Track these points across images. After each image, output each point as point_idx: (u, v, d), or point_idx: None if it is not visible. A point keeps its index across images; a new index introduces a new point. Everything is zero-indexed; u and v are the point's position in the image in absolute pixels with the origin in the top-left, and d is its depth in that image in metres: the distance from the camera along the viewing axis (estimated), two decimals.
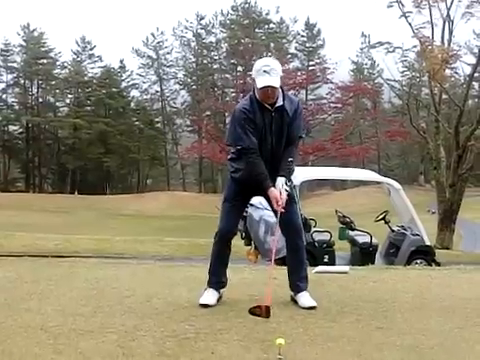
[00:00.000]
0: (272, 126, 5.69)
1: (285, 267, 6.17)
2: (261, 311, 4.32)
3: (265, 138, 5.70)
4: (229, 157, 6.02)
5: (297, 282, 5.94)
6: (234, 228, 5.97)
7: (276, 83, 5.57)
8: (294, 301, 5.88)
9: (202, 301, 5.73)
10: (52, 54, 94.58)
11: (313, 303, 5.75)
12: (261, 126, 5.67)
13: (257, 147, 5.66)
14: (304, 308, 5.69)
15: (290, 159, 5.77)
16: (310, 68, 78.40)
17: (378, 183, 16.26)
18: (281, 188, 5.66)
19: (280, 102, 5.70)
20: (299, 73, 56.76)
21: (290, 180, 5.96)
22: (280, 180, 5.70)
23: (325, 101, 55.55)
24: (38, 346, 4.44)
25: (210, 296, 5.80)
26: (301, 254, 6.00)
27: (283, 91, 5.76)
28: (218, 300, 5.85)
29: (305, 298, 5.82)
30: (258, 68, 5.63)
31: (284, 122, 5.70)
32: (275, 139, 5.73)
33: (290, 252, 6.02)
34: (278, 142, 5.74)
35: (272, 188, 5.64)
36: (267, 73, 5.55)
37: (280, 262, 6.78)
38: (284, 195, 5.65)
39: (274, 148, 5.75)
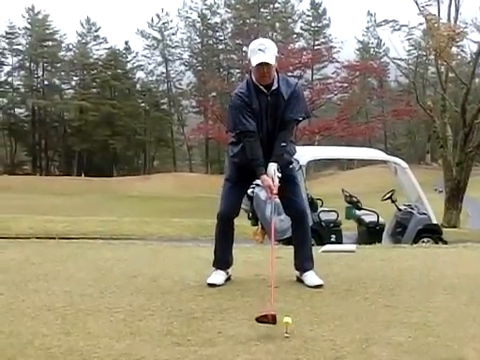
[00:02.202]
0: (268, 110, 5.67)
1: (291, 246, 6.19)
2: (268, 319, 4.34)
3: (261, 122, 5.68)
4: (229, 141, 6.02)
5: (302, 262, 5.95)
6: (235, 209, 5.96)
7: (271, 61, 5.54)
8: (300, 281, 5.90)
9: (210, 281, 5.75)
10: (57, 36, 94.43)
11: (320, 281, 5.76)
12: (257, 110, 5.66)
13: (256, 130, 5.64)
14: (311, 287, 5.71)
15: (283, 144, 5.71)
16: (316, 47, 78.01)
17: (385, 162, 16.21)
18: (273, 175, 5.62)
19: (275, 85, 5.67)
20: (305, 53, 56.41)
21: (291, 163, 5.96)
22: (272, 166, 5.65)
23: (331, 81, 55.23)
24: (46, 326, 4.46)
25: (217, 276, 5.83)
26: (306, 235, 6.01)
27: (278, 74, 5.73)
28: (226, 280, 5.87)
29: (312, 277, 5.83)
30: (253, 47, 5.63)
31: (280, 105, 5.67)
32: (271, 123, 5.71)
33: (295, 233, 6.05)
34: (274, 126, 5.72)
35: (264, 175, 5.61)
36: (262, 51, 5.54)
37: (286, 242, 6.80)
38: (276, 181, 5.62)
39: (270, 132, 5.72)
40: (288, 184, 5.88)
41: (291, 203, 5.94)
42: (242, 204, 6.24)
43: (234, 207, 5.94)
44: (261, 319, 4.36)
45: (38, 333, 4.31)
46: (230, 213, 5.91)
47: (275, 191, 5.61)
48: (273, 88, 5.67)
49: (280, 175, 5.67)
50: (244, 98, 5.67)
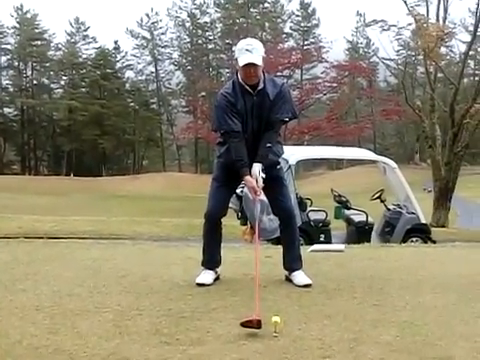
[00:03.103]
0: (253, 110, 5.67)
1: (280, 246, 6.20)
2: (253, 324, 4.35)
3: (246, 122, 5.68)
4: (217, 141, 6.02)
5: (291, 262, 5.97)
6: (223, 208, 5.95)
7: (258, 61, 5.55)
8: (289, 280, 5.91)
9: (198, 280, 5.75)
10: (46, 36, 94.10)
11: (308, 281, 5.77)
12: (243, 110, 5.65)
13: (240, 131, 5.64)
14: (299, 286, 5.72)
15: (268, 144, 5.70)
16: (305, 47, 78.21)
17: (374, 162, 16.23)
18: (257, 175, 5.63)
19: (261, 85, 5.67)
20: (294, 52, 56.52)
21: (278, 164, 5.96)
22: (256, 167, 5.65)
23: (320, 80, 55.34)
24: (34, 326, 4.45)
25: (206, 276, 5.83)
26: (294, 235, 6.02)
27: (265, 74, 5.72)
28: (215, 280, 5.87)
29: (300, 276, 5.84)
30: (240, 47, 5.63)
31: (265, 106, 5.66)
32: (256, 123, 5.70)
33: (283, 233, 6.07)
34: (259, 126, 5.72)
35: (248, 176, 5.62)
36: (249, 51, 5.55)
37: (275, 242, 6.81)
38: (260, 182, 5.63)
39: (255, 132, 5.72)
40: (275, 185, 5.90)
41: (278, 203, 5.95)
42: (231, 204, 6.25)
43: (221, 207, 5.93)
44: (246, 324, 4.37)
45: (26, 333, 4.30)
46: (217, 213, 5.90)
47: (259, 192, 5.63)
48: (259, 88, 5.66)
49: (264, 176, 5.67)
50: (229, 98, 5.67)
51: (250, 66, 5.53)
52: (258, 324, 4.35)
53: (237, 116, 5.64)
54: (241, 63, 5.55)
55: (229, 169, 5.82)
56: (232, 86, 5.73)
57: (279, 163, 5.99)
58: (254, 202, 5.78)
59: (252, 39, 5.88)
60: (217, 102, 5.79)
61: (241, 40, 5.83)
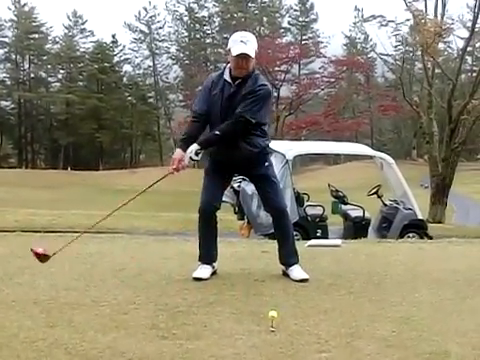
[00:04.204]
0: (227, 100, 5.68)
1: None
2: (39, 256, 4.53)
3: (220, 111, 5.70)
4: None
5: (286, 257, 5.97)
6: (215, 202, 5.93)
7: (251, 53, 5.57)
8: (286, 275, 5.91)
9: (195, 275, 5.75)
10: (43, 29, 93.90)
11: (305, 276, 5.77)
12: (217, 97, 5.69)
13: (203, 114, 5.74)
14: (296, 281, 5.72)
15: (216, 132, 5.65)
16: (303, 42, 78.18)
17: (371, 157, 16.24)
18: (188, 154, 5.65)
19: (244, 79, 5.68)
20: (292, 47, 56.52)
21: (266, 161, 5.95)
22: (191, 147, 5.66)
23: (318, 75, 55.40)
24: (31, 320, 4.45)
25: (203, 270, 5.82)
26: (287, 232, 6.00)
27: (254, 72, 5.73)
28: (212, 274, 5.87)
29: (297, 271, 5.84)
30: (235, 38, 5.66)
31: (237, 99, 5.66)
32: (229, 113, 5.69)
33: (276, 229, 6.07)
34: (227, 116, 5.70)
35: (178, 150, 5.72)
36: (243, 43, 5.57)
37: (272, 236, 6.81)
38: (186, 162, 5.67)
39: (223, 122, 5.72)
40: (265, 184, 5.93)
41: (269, 202, 5.97)
42: (228, 198, 6.27)
43: (214, 200, 5.92)
44: (37, 254, 4.61)
45: (23, 326, 4.30)
46: (210, 207, 5.90)
47: (175, 166, 5.71)
48: (239, 81, 5.68)
49: (197, 158, 5.70)
50: (211, 81, 5.80)
51: (242, 57, 5.56)
52: (40, 257, 4.55)
53: (209, 101, 5.72)
54: (234, 53, 5.56)
55: (219, 162, 5.88)
56: (221, 72, 5.81)
57: (266, 160, 5.95)
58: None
59: (247, 32, 5.90)
60: (203, 84, 5.96)
61: (236, 32, 5.84)
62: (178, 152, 5.69)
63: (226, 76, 5.72)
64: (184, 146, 5.69)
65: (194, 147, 5.64)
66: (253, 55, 5.59)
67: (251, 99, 5.63)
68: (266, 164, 5.94)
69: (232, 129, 5.67)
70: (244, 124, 5.65)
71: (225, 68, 5.80)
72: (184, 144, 5.70)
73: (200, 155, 5.66)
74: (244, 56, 5.55)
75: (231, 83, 5.68)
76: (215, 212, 5.93)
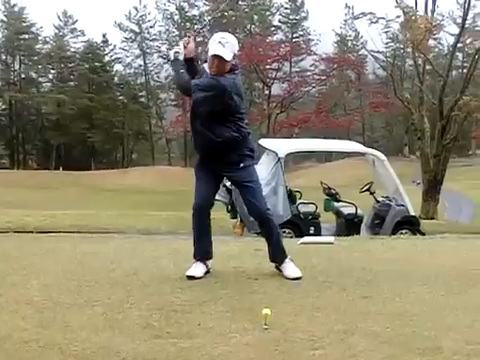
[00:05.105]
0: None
1: None
2: None
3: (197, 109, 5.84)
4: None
5: (274, 256, 5.99)
6: (208, 200, 5.97)
7: (226, 56, 5.62)
8: (278, 269, 5.91)
9: (189, 273, 5.74)
10: (34, 29, 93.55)
11: (298, 274, 5.78)
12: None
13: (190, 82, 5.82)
14: (289, 279, 5.73)
15: (187, 78, 5.89)
16: (294, 40, 78.26)
17: (363, 154, 16.28)
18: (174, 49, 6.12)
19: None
20: (283, 45, 56.60)
21: (242, 162, 5.93)
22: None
23: (309, 73, 55.47)
24: (24, 320, 4.44)
25: (197, 269, 5.82)
26: (271, 233, 5.99)
27: (234, 73, 5.78)
28: (205, 273, 5.87)
29: (290, 269, 5.85)
30: (215, 38, 5.75)
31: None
32: (203, 112, 5.81)
33: (262, 232, 6.18)
34: (206, 115, 5.79)
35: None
36: (221, 44, 5.64)
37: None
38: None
39: (203, 120, 5.82)
40: (241, 189, 6.02)
41: (249, 208, 6.01)
42: (221, 197, 6.28)
43: (206, 198, 5.95)
44: None
45: (16, 327, 4.29)
46: (203, 204, 5.92)
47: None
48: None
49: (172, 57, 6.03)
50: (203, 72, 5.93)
51: (215, 58, 5.65)
52: None
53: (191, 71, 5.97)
54: (210, 53, 5.68)
55: (206, 159, 5.94)
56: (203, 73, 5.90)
57: (242, 161, 5.90)
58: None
59: (228, 34, 5.94)
60: None
61: (218, 33, 5.89)
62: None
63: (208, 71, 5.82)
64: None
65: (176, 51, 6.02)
66: (228, 58, 5.64)
67: (208, 80, 5.76)
68: (241, 165, 5.88)
69: (181, 80, 5.95)
70: (186, 87, 5.86)
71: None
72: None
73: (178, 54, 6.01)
74: (217, 57, 5.63)
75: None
76: (209, 209, 5.94)
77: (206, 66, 5.90)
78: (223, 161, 5.88)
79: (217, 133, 5.77)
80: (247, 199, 5.96)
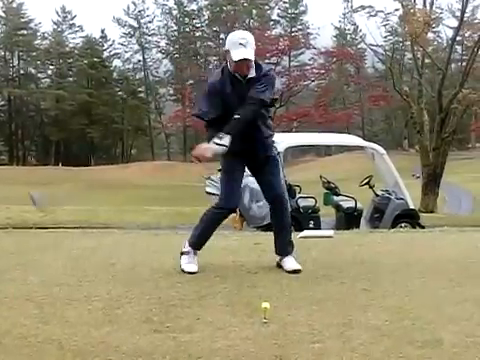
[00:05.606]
0: (240, 97, 5.60)
1: (270, 233, 6.21)
2: None
3: (234, 107, 5.59)
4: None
5: (282, 247, 5.95)
6: (236, 200, 6.02)
7: (252, 56, 5.54)
8: (279, 266, 5.91)
9: (189, 269, 5.71)
10: (32, 25, 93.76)
11: (298, 266, 5.78)
12: (231, 95, 5.61)
13: (217, 119, 5.63)
14: (289, 272, 5.72)
15: (236, 116, 5.54)
16: (293, 34, 78.15)
17: (362, 148, 16.27)
18: (211, 143, 5.58)
19: (252, 74, 5.64)
20: (282, 39, 56.51)
21: (272, 143, 5.93)
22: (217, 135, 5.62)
23: (308, 67, 55.44)
24: (23, 316, 4.44)
25: (194, 263, 5.79)
26: (286, 220, 5.98)
27: (256, 62, 5.70)
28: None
29: (290, 262, 5.84)
30: (234, 40, 5.59)
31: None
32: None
33: (274, 219, 6.02)
34: None
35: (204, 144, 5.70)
36: (243, 46, 5.51)
37: (265, 228, 6.83)
38: (209, 147, 5.59)
39: None
40: (271, 165, 5.96)
41: (273, 186, 5.93)
42: (215, 190, 6.24)
43: (236, 199, 5.99)
44: None
45: (16, 322, 4.29)
46: (232, 205, 5.97)
47: (196, 154, 5.67)
48: (250, 76, 5.63)
49: (219, 142, 5.54)
50: (213, 86, 5.71)
51: (244, 61, 5.53)
52: None
53: (220, 104, 5.62)
54: (235, 58, 5.50)
55: (235, 154, 5.74)
56: (221, 73, 5.72)
57: (273, 142, 5.99)
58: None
59: (245, 32, 5.86)
60: (206, 90, 5.80)
61: (234, 32, 5.82)
62: (203, 145, 5.69)
63: (232, 76, 5.67)
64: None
65: (217, 135, 5.58)
66: (253, 57, 5.57)
67: (262, 81, 5.63)
68: (274, 148, 6.02)
69: (249, 110, 5.61)
70: (258, 105, 5.65)
71: (224, 68, 5.73)
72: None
73: (225, 139, 5.52)
74: (245, 61, 5.53)
75: (242, 80, 5.64)
76: (234, 211, 5.95)
77: (217, 72, 5.86)
78: (264, 149, 5.88)
79: (269, 124, 5.89)
80: (272, 176, 5.93)
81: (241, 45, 5.51)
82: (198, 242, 5.91)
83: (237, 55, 5.50)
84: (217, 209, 5.89)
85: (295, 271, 5.73)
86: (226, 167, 5.92)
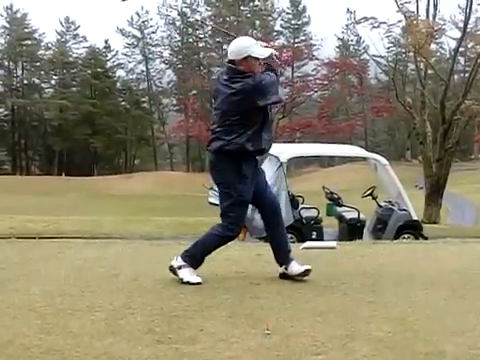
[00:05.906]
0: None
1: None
2: None
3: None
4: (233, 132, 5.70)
5: (284, 258, 5.92)
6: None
7: None
8: (282, 277, 5.88)
9: (196, 280, 5.67)
10: (36, 35, 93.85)
11: (307, 266, 5.79)
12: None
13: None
14: (300, 275, 5.76)
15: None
16: (296, 45, 78.22)
17: (365, 159, 16.27)
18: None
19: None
20: (285, 50, 56.48)
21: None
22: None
23: (311, 78, 55.43)
24: (26, 326, 4.43)
25: (196, 275, 5.75)
26: (283, 232, 5.97)
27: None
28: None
29: (297, 266, 5.83)
30: (254, 42, 5.73)
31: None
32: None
33: (271, 232, 5.99)
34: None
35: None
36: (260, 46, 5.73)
37: (265, 240, 6.81)
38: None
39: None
40: (262, 178, 6.00)
41: (267, 197, 5.96)
42: (218, 200, 6.18)
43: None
44: None
45: (18, 333, 4.28)
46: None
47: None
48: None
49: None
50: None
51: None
52: None
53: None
54: (267, 53, 5.65)
55: (251, 160, 5.79)
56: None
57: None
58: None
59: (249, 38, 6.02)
60: (263, 79, 5.60)
61: (244, 37, 5.97)
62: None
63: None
64: None
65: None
66: None
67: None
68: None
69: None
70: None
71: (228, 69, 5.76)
72: None
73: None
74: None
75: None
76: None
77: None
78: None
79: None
80: (266, 188, 5.96)
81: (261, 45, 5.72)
82: (199, 262, 5.84)
83: (266, 51, 5.68)
84: (228, 238, 5.89)
85: (306, 271, 5.75)
86: (240, 176, 5.70)
